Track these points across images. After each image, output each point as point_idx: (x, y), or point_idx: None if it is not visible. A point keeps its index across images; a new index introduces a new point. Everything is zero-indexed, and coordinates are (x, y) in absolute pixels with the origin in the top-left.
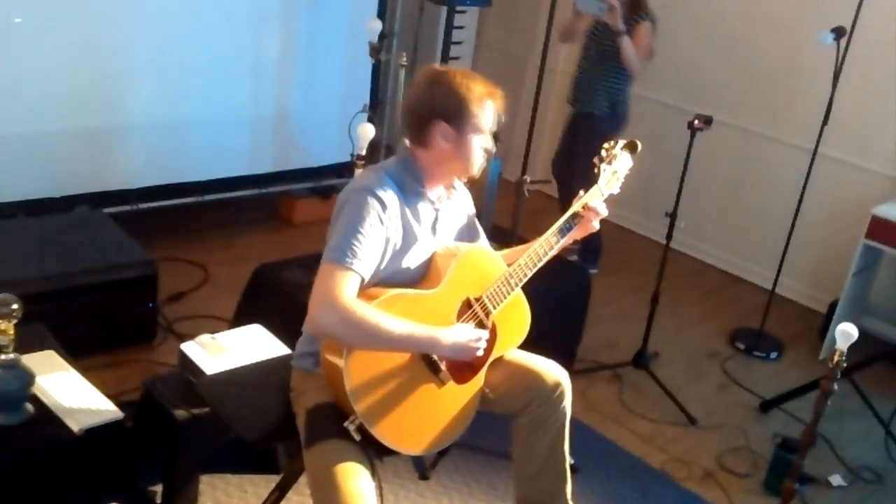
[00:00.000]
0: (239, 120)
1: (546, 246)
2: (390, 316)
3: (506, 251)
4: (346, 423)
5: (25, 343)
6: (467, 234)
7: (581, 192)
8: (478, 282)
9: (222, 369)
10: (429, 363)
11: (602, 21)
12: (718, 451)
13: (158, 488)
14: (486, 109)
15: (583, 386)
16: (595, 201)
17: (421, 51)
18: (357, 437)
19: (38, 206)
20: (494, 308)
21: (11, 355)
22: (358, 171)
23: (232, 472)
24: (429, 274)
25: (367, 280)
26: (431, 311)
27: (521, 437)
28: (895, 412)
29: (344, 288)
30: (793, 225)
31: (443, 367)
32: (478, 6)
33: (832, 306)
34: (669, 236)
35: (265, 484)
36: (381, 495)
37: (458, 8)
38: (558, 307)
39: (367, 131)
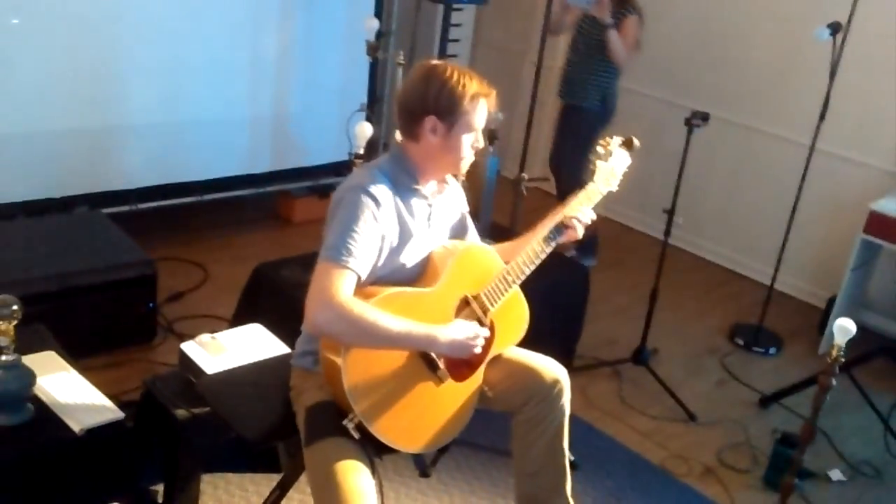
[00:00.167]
0: (237, 119)
1: (538, 247)
2: (387, 314)
3: (499, 245)
4: (344, 422)
5: (26, 344)
6: (458, 231)
7: (577, 191)
8: (475, 280)
9: (222, 369)
10: (427, 361)
11: (590, 14)
12: (718, 447)
13: (160, 488)
14: (479, 108)
15: (582, 383)
16: (579, 210)
17: (418, 49)
18: (356, 435)
19: (37, 206)
20: (492, 306)
21: (12, 356)
22: (356, 169)
23: (233, 471)
24: (427, 272)
25: (363, 278)
26: (429, 309)
27: (520, 434)
28: (894, 407)
29: (341, 286)
30: (791, 220)
31: (441, 364)
32: (475, 4)
33: (831, 301)
34: (668, 233)
35: (266, 483)
36: (381, 493)
37: (455, 6)
38: (557, 304)
39: (365, 130)
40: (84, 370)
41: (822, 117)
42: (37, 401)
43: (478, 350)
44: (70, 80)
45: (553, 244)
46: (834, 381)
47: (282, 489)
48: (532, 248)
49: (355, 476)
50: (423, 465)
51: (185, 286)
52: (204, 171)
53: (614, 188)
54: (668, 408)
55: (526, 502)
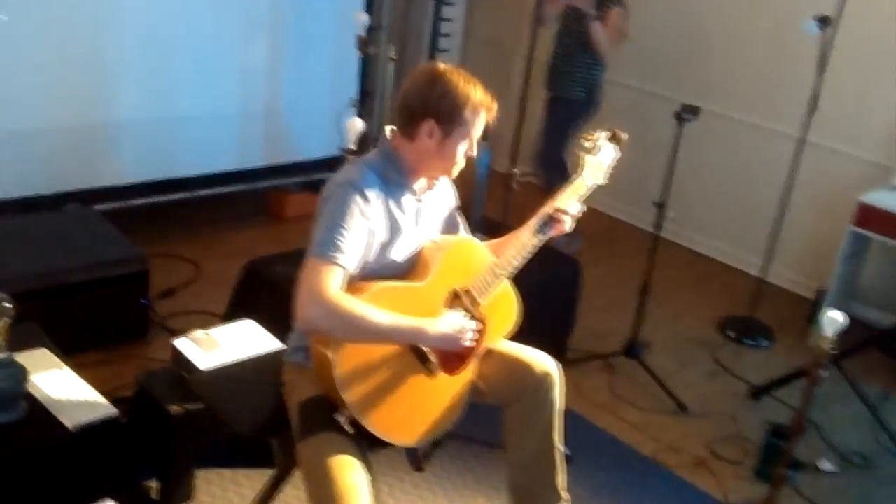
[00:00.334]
0: (228, 115)
1: (527, 240)
2: (376, 308)
3: (491, 242)
4: (337, 416)
5: (18, 341)
6: (449, 226)
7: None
8: (465, 273)
9: (215, 365)
10: (418, 354)
11: (574, 6)
12: (710, 439)
13: (154, 484)
14: (479, 118)
15: (574, 376)
16: (567, 203)
17: (409, 44)
18: (349, 430)
19: (28, 203)
20: (482, 299)
21: (4, 354)
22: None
23: (227, 467)
24: (416, 266)
25: (352, 273)
26: (419, 303)
27: (512, 427)
28: (883, 398)
29: (329, 282)
30: (781, 213)
31: (432, 358)
32: None
33: (821, 293)
34: (659, 226)
35: (260, 478)
36: (374, 487)
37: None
38: (549, 298)
39: (356, 125)
40: (77, 367)
41: (811, 110)
42: (30, 398)
43: (467, 343)
44: (61, 77)
45: (542, 237)
46: (824, 373)
47: (275, 484)
48: (521, 241)
49: (349, 471)
50: (417, 459)
51: (178, 282)
52: (195, 166)
53: (602, 182)
54: (660, 400)
55: (519, 495)
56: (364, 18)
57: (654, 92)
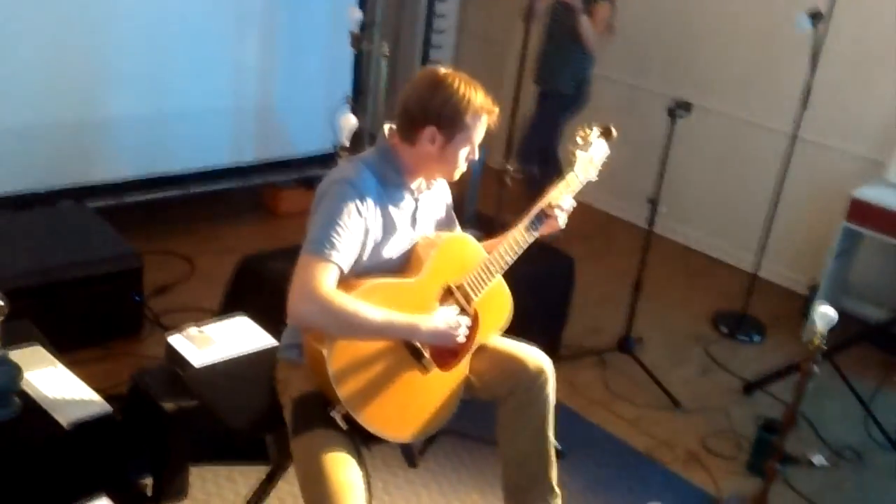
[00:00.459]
0: (222, 111)
1: (520, 236)
2: (369, 305)
3: (488, 242)
4: (331, 412)
5: (12, 338)
6: (444, 224)
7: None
8: (458, 269)
9: (209, 361)
10: (412, 350)
11: (561, 0)
12: (703, 434)
13: (148, 480)
14: (480, 123)
15: (568, 371)
16: (560, 199)
17: (403, 40)
18: (343, 426)
19: (21, 200)
20: (475, 295)
21: None
22: (341, 162)
23: (221, 463)
24: (410, 262)
25: (346, 271)
26: (412, 299)
27: (506, 423)
28: (875, 392)
29: (323, 279)
30: (774, 208)
31: (426, 354)
32: None
33: (813, 288)
34: (652, 221)
35: (254, 474)
36: (369, 483)
37: None
38: (543, 294)
39: (350, 121)
40: (71, 364)
41: (804, 106)
42: (24, 396)
43: (460, 339)
44: (55, 74)
45: (535, 233)
46: (816, 368)
47: (270, 480)
48: (514, 237)
49: (343, 467)
50: (411, 455)
51: (172, 279)
52: (189, 163)
53: (593, 178)
54: (653, 395)
55: (513, 490)
56: (357, 15)
57: (647, 88)
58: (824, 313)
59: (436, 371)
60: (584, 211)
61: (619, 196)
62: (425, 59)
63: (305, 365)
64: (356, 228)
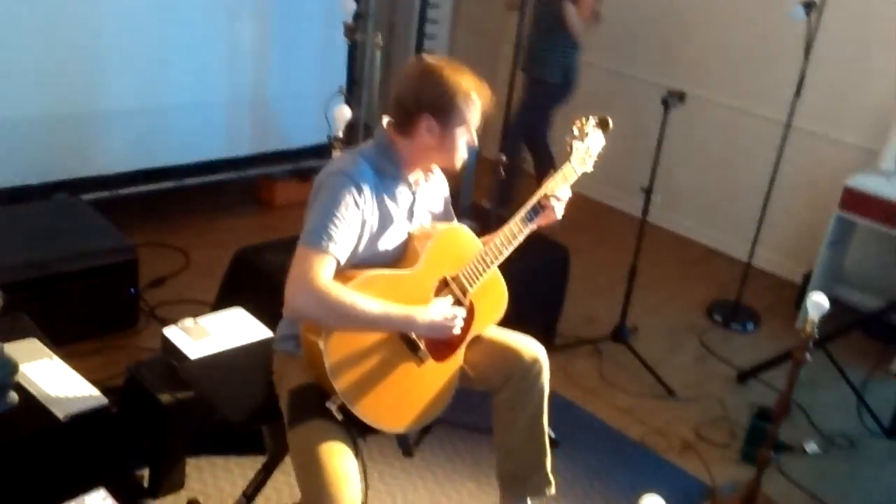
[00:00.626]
0: (216, 103)
1: (516, 228)
2: (366, 296)
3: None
4: (327, 403)
5: (7, 332)
6: (442, 218)
7: (553, 172)
8: (454, 261)
9: (205, 353)
10: (408, 342)
11: None
12: (697, 423)
13: (145, 472)
14: (473, 106)
15: (563, 361)
16: (559, 190)
17: (396, 31)
18: (339, 417)
19: (16, 194)
20: (471, 286)
21: None
22: (336, 153)
23: (218, 455)
24: (406, 254)
25: (343, 263)
26: (408, 291)
27: (501, 412)
28: (868, 380)
29: (320, 270)
30: (767, 197)
31: (422, 345)
32: None
33: (807, 277)
34: (646, 211)
35: (251, 465)
36: (364, 474)
37: None
38: (538, 284)
39: (344, 113)
40: (67, 357)
41: (797, 95)
42: (20, 389)
43: (456, 330)
44: (48, 67)
45: (531, 225)
46: (808, 356)
47: (266, 471)
48: (510, 229)
49: (338, 457)
50: (407, 445)
51: (167, 271)
52: (184, 155)
53: (590, 169)
54: (648, 384)
55: (507, 479)
56: (351, 5)
57: (641, 77)
58: (817, 302)
59: (431, 362)
60: (578, 201)
61: (613, 186)
62: (419, 50)
63: (301, 356)
64: (353, 220)
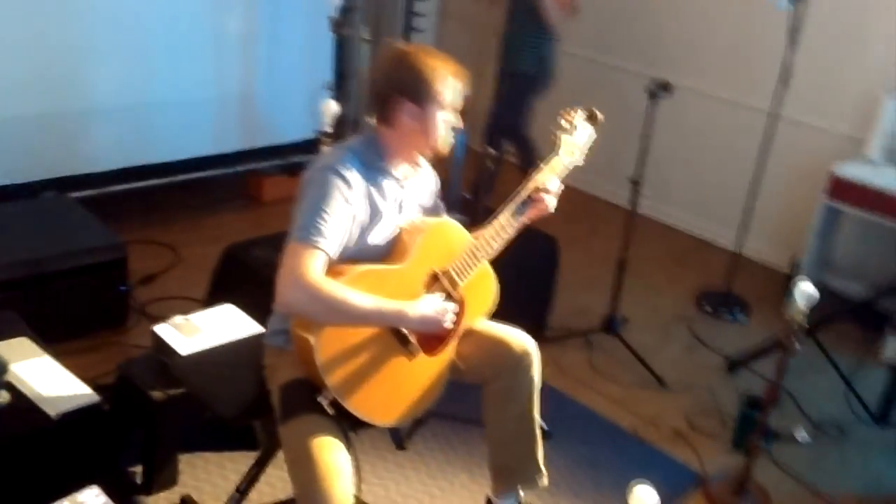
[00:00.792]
0: (203, 99)
1: (506, 221)
2: (357, 292)
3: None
4: (319, 398)
5: None
6: (431, 212)
7: (541, 165)
8: (444, 255)
9: (196, 350)
10: (398, 336)
11: None
12: (687, 412)
13: (138, 469)
14: (449, 86)
15: (554, 353)
16: (548, 182)
17: (383, 24)
18: (331, 411)
19: (3, 192)
20: (461, 280)
21: None
22: (324, 148)
23: (211, 451)
24: (395, 249)
25: (333, 257)
26: (399, 286)
27: (492, 404)
28: (856, 367)
29: (310, 266)
30: (755, 186)
31: (412, 339)
32: None
33: (796, 265)
34: (634, 202)
35: (244, 460)
36: (357, 467)
37: None
38: (528, 277)
39: (331, 107)
40: (58, 355)
41: (783, 84)
42: (11, 388)
43: (447, 325)
44: (34, 65)
45: (520, 218)
46: (797, 345)
47: (259, 467)
48: (499, 223)
49: (330, 451)
50: (399, 438)
51: (157, 268)
52: (172, 152)
53: (579, 162)
54: (639, 375)
55: (500, 470)
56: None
57: (627, 68)
58: (804, 290)
59: (422, 356)
60: (566, 193)
61: (601, 177)
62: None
63: (292, 351)
64: (342, 215)
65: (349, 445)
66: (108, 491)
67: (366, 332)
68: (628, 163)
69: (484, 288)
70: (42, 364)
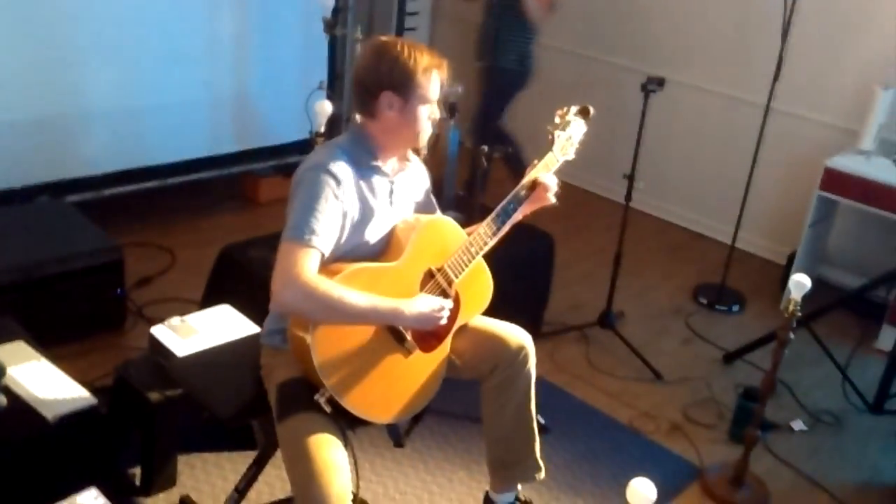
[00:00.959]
0: (198, 101)
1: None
2: (353, 290)
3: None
4: (316, 396)
5: None
6: (424, 209)
7: (535, 162)
8: (439, 252)
9: (193, 351)
10: (394, 334)
11: None
12: (684, 404)
13: (137, 471)
14: (432, 79)
15: (550, 348)
16: (545, 176)
17: (376, 24)
18: (328, 409)
19: None
20: (456, 277)
21: None
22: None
23: (209, 451)
24: (390, 247)
25: (326, 255)
26: (394, 283)
27: (489, 400)
28: (851, 357)
29: (305, 265)
30: (749, 180)
31: (408, 336)
32: None
33: (791, 257)
34: (629, 197)
35: (242, 460)
36: (355, 465)
37: None
38: (523, 273)
39: (325, 108)
40: (55, 359)
41: (776, 77)
42: (8, 391)
43: (443, 321)
44: (26, 69)
45: (515, 214)
46: (792, 335)
47: (258, 466)
48: (493, 220)
49: (327, 449)
50: (398, 435)
51: (153, 271)
52: (167, 154)
53: (571, 157)
54: (635, 368)
55: (498, 466)
56: (329, 0)
57: (621, 64)
58: (798, 282)
59: (418, 353)
60: (562, 188)
61: (596, 173)
62: None
63: (288, 350)
64: (334, 212)
65: (347, 443)
66: (107, 493)
67: (362, 330)
68: (623, 158)
69: (479, 284)
70: (39, 367)
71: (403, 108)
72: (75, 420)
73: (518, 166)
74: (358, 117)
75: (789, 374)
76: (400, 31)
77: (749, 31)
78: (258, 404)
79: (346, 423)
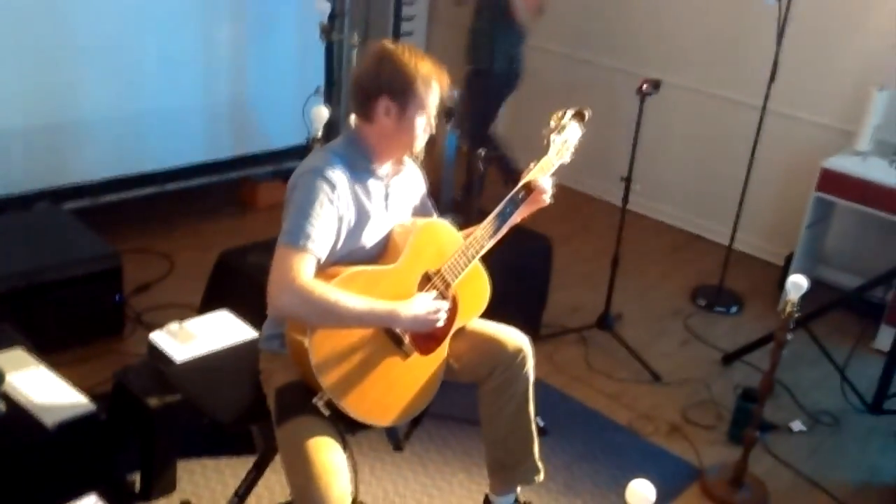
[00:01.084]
0: (195, 107)
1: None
2: (349, 293)
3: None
4: (314, 400)
5: None
6: (420, 213)
7: (532, 165)
8: (436, 255)
9: (192, 356)
10: (392, 336)
11: None
12: (683, 406)
13: (137, 476)
14: (431, 89)
15: (549, 350)
16: (541, 179)
17: (372, 29)
18: (326, 413)
19: None
20: (453, 280)
21: None
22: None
23: (209, 456)
24: (387, 250)
25: (322, 260)
26: (391, 287)
27: (487, 403)
28: (849, 357)
29: (301, 269)
30: (746, 181)
31: (406, 339)
32: None
33: (789, 259)
34: (626, 199)
35: (242, 465)
36: (354, 468)
37: None
38: (522, 276)
39: (322, 113)
40: (54, 366)
41: (772, 79)
42: (7, 398)
43: (440, 324)
44: (25, 76)
45: (514, 216)
46: (789, 336)
47: (258, 470)
48: (490, 222)
49: (326, 452)
50: (397, 438)
51: (152, 277)
52: (164, 160)
53: (567, 160)
54: (634, 370)
55: (497, 468)
56: (325, 6)
57: (617, 67)
58: (795, 282)
59: (416, 356)
60: (559, 191)
61: (593, 175)
62: None
63: (287, 355)
64: (329, 217)
65: (346, 446)
66: (107, 499)
67: (360, 333)
68: (620, 161)
69: (477, 287)
70: (38, 374)
71: (400, 116)
72: (75, 426)
73: (508, 169)
74: (354, 121)
75: (788, 374)
76: (396, 35)
77: (744, 33)
78: (257, 409)
79: (345, 427)
